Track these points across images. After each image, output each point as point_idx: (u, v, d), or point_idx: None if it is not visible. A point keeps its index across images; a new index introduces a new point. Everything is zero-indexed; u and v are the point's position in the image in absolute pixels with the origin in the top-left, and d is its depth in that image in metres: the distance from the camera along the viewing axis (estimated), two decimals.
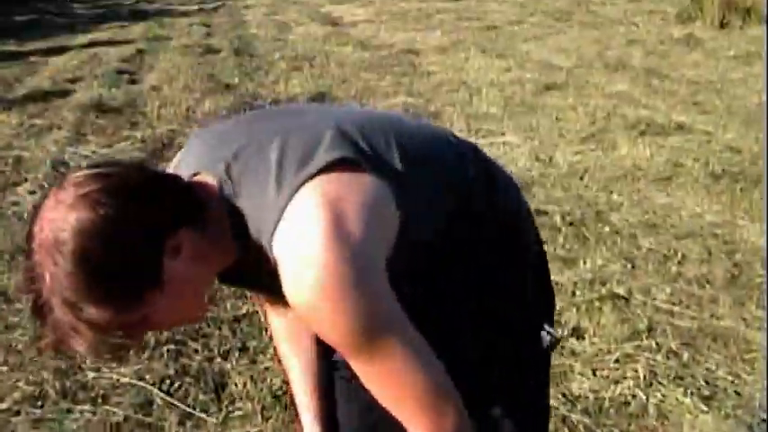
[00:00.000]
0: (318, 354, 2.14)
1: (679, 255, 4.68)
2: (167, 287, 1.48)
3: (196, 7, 18.92)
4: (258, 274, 1.61)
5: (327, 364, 2.13)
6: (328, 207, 1.49)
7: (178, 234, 1.50)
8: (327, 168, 1.54)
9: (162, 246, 1.48)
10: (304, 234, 1.48)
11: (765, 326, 3.96)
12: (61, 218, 1.41)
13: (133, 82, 10.09)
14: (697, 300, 4.20)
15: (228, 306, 4.19)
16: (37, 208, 1.48)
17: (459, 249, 1.75)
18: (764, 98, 7.84)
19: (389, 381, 1.57)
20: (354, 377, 2.06)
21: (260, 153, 1.59)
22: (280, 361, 3.57)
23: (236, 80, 9.89)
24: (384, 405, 1.62)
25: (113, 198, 1.43)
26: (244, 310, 4.15)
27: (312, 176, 1.52)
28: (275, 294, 1.64)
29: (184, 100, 8.86)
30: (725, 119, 7.35)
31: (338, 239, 1.46)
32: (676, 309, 4.10)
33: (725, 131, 6.98)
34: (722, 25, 11.92)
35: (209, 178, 1.60)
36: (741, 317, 4.01)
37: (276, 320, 2.17)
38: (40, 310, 1.45)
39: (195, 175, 1.62)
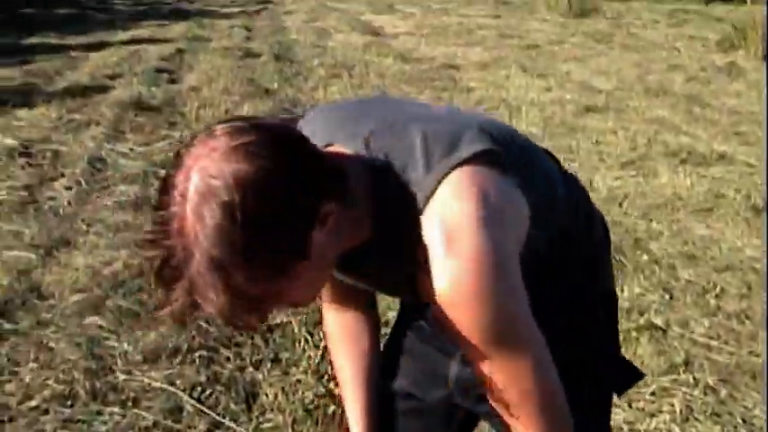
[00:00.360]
0: (374, 359, 2.10)
1: (718, 288, 4.62)
2: (312, 259, 1.40)
3: (237, 9, 18.96)
4: (375, 255, 1.59)
5: (382, 374, 2.10)
6: (480, 195, 1.47)
7: (324, 202, 1.41)
8: (475, 157, 1.52)
9: (314, 210, 1.39)
10: (456, 218, 1.45)
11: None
12: (214, 167, 1.31)
13: (173, 81, 10.10)
14: (735, 335, 4.14)
15: None
16: (179, 156, 1.37)
17: (558, 264, 1.75)
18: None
19: (514, 378, 1.56)
20: (410, 412, 2.05)
21: (399, 133, 1.57)
22: (323, 368, 3.56)
23: (276, 85, 9.88)
24: (499, 405, 1.61)
25: (269, 151, 1.34)
26: (277, 320, 4.10)
27: (462, 162, 1.50)
28: (379, 280, 1.61)
29: (223, 102, 8.85)
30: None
31: (489, 227, 1.45)
32: (714, 343, 4.05)
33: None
34: (766, 56, 11.80)
35: (342, 150, 1.57)
36: None
37: (336, 320, 2.11)
38: (173, 269, 1.32)
39: (327, 146, 1.57)
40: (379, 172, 1.53)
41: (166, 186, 1.35)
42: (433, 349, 1.94)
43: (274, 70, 10.88)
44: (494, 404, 1.62)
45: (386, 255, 1.58)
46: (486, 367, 1.55)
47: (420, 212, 1.48)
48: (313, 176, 1.39)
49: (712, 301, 4.47)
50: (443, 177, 1.48)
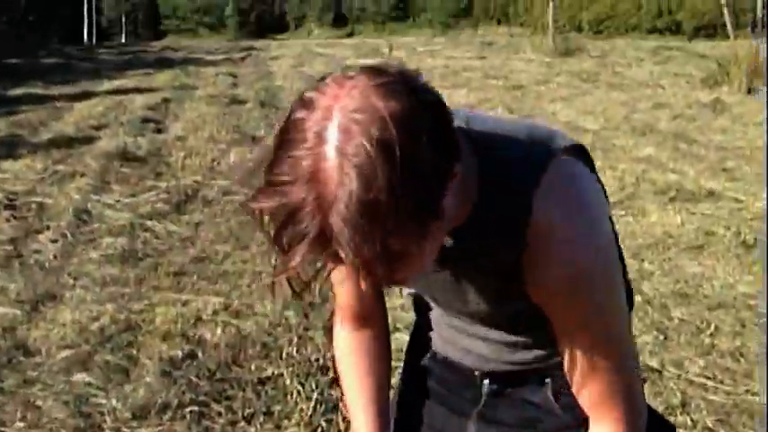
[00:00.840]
0: (387, 387, 1.98)
1: (712, 326, 4.59)
2: (442, 221, 1.25)
3: (222, 57, 19.01)
4: (470, 237, 1.48)
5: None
6: (586, 185, 1.51)
7: (455, 159, 1.26)
8: (573, 149, 1.52)
9: (451, 163, 1.25)
10: (573, 203, 1.47)
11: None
12: (359, 103, 1.16)
13: (158, 131, 10.09)
14: (731, 374, 4.10)
15: (253, 367, 4.09)
16: (307, 100, 1.21)
17: None
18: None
19: (608, 366, 1.57)
20: None
21: (495, 121, 1.57)
22: (316, 421, 3.50)
23: (262, 132, 9.85)
24: (585, 394, 1.61)
25: (412, 93, 1.20)
26: (268, 372, 4.05)
27: (563, 151, 1.49)
28: (461, 267, 1.57)
29: (209, 151, 8.84)
30: (755, 186, 7.26)
31: (596, 215, 1.50)
32: (710, 383, 4.01)
33: (756, 199, 6.88)
34: (749, 91, 11.85)
35: None
36: None
37: (351, 339, 1.95)
38: (299, 222, 1.16)
39: None
40: (484, 148, 1.46)
41: (292, 129, 1.20)
42: (447, 410, 1.86)
43: (260, 117, 10.88)
44: (577, 394, 1.61)
45: (484, 236, 1.49)
46: (583, 354, 1.55)
47: (528, 196, 1.43)
48: (450, 126, 1.27)
49: (707, 340, 4.44)
50: (549, 162, 1.45)
